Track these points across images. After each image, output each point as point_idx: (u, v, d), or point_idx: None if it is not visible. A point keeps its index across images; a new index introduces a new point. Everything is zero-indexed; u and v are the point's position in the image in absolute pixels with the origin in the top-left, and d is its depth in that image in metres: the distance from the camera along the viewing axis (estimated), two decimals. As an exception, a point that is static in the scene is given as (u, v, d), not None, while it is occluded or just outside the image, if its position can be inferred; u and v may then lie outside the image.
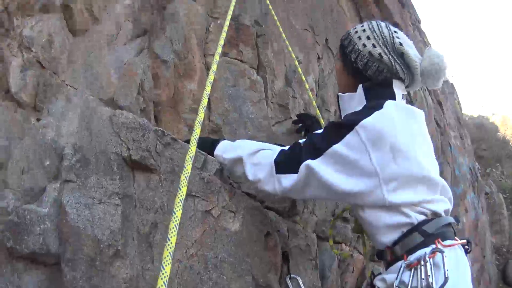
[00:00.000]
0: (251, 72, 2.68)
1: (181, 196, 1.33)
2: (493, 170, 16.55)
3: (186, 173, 1.43)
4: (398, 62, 1.76)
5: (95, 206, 1.75)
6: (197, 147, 2.01)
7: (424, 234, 1.55)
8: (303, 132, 2.73)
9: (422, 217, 1.59)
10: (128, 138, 1.89)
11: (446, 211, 1.67)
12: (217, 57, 2.08)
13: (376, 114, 1.57)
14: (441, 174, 5.15)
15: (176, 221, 1.24)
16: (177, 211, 1.27)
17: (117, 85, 2.25)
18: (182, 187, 1.36)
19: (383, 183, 1.53)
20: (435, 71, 1.75)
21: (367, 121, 1.55)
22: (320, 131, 1.77)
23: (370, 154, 1.53)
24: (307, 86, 2.62)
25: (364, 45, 1.80)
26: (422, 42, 6.10)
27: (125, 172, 1.86)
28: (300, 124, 2.73)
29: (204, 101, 1.75)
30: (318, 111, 2.70)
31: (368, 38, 1.80)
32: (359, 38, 1.83)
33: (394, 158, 1.53)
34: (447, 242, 1.55)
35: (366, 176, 1.56)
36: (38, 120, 1.91)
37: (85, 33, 2.21)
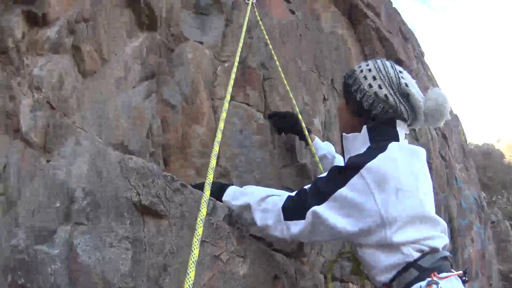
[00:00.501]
0: (258, 115, 2.71)
1: (197, 236, 1.46)
2: (499, 197, 16.48)
3: (201, 216, 1.55)
4: (403, 103, 1.78)
5: (106, 249, 1.75)
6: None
7: (420, 269, 1.56)
8: (283, 133, 2.74)
9: (418, 254, 1.59)
10: (138, 183, 1.90)
11: (444, 246, 1.67)
12: (226, 105, 2.14)
13: (380, 156, 1.59)
14: (447, 207, 5.14)
15: (194, 258, 1.37)
16: (194, 249, 1.40)
17: (126, 129, 2.28)
18: (199, 228, 1.48)
19: (387, 224, 1.55)
20: (439, 112, 1.79)
21: (371, 163, 1.56)
22: (324, 175, 1.78)
23: (374, 195, 1.54)
24: (306, 133, 2.58)
25: (370, 86, 1.81)
26: (425, 76, 6.15)
27: (135, 217, 1.87)
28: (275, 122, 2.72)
29: (216, 148, 1.81)
30: (316, 157, 2.66)
31: (374, 78, 1.82)
32: (365, 78, 1.84)
33: (398, 199, 1.55)
34: (443, 274, 1.55)
35: (370, 217, 1.57)
36: (48, 161, 1.92)
37: (94, 74, 2.24)
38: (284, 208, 1.76)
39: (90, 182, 1.90)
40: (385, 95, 1.78)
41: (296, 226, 1.72)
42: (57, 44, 2.09)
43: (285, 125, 2.68)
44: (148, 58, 2.59)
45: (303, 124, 2.51)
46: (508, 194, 17.26)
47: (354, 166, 1.61)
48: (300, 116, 2.58)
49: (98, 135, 2.12)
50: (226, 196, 2.04)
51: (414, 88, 1.81)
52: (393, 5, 6.06)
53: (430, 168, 4.73)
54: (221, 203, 2.03)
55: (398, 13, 6.10)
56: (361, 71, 1.87)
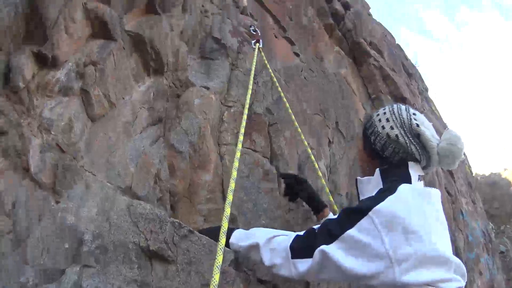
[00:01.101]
0: (264, 161, 2.72)
1: (214, 283, 1.50)
2: (507, 226, 16.30)
3: (218, 263, 1.58)
4: (414, 143, 1.80)
5: None
6: (213, 237, 2.03)
7: None
8: (292, 197, 2.69)
9: None
10: (146, 228, 1.92)
11: None
12: (238, 154, 2.20)
13: (390, 198, 1.59)
14: (453, 242, 5.08)
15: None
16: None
17: (134, 174, 2.30)
18: (215, 274, 1.54)
19: (396, 264, 1.52)
20: (452, 152, 1.78)
21: (380, 206, 1.57)
22: (334, 217, 1.79)
23: (382, 237, 1.53)
24: (319, 173, 2.64)
25: (383, 127, 1.86)
26: (430, 111, 6.19)
27: (143, 262, 1.89)
28: (288, 189, 2.67)
29: (229, 197, 1.88)
30: (331, 197, 2.71)
31: (387, 120, 1.86)
32: (379, 120, 1.89)
33: (407, 240, 1.53)
34: None
35: (379, 258, 1.55)
36: (57, 202, 1.92)
37: (102, 118, 2.28)
38: (292, 247, 1.76)
39: (99, 225, 1.93)
40: (396, 135, 1.81)
41: (304, 265, 1.71)
42: (66, 87, 2.12)
43: (300, 191, 2.62)
44: (155, 103, 2.63)
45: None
46: (516, 222, 17.08)
47: (363, 209, 1.61)
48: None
49: (106, 179, 2.13)
50: (233, 239, 2.04)
51: (426, 129, 1.82)
52: (396, 41, 6.16)
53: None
54: (227, 248, 2.03)
55: (401, 49, 6.17)
56: (377, 115, 1.93)
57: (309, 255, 1.69)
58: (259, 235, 1.95)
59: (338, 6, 5.26)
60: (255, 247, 1.91)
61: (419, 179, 1.78)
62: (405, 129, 1.82)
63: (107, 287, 1.77)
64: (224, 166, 2.65)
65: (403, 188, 1.64)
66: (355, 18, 5.30)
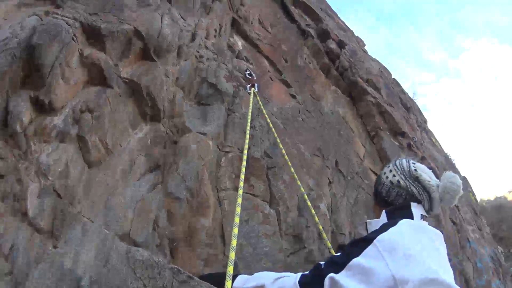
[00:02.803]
0: (264, 205, 2.71)
1: None
2: (516, 248, 16.12)
3: None
4: (414, 185, 1.98)
5: None
6: (213, 283, 2.02)
7: None
8: None
9: None
10: (144, 275, 1.90)
11: None
12: (239, 200, 2.23)
13: (391, 229, 1.71)
14: (462, 270, 5.00)
15: None
16: None
17: (133, 221, 2.28)
18: None
19: (399, 284, 1.56)
20: (452, 190, 1.93)
21: (383, 235, 1.68)
22: (338, 254, 1.83)
23: (386, 260, 1.60)
24: (316, 219, 2.62)
25: (387, 177, 2.06)
26: (430, 143, 6.20)
27: None
28: None
29: (233, 242, 1.93)
30: (328, 242, 2.68)
31: (391, 171, 2.07)
32: (385, 173, 2.10)
33: (408, 263, 1.60)
34: None
35: (384, 280, 1.59)
36: (55, 247, 1.92)
37: (100, 165, 2.29)
38: (300, 282, 1.77)
39: (97, 271, 1.91)
40: (398, 181, 2.01)
41: None
42: (63, 133, 2.15)
43: None
44: (153, 149, 2.64)
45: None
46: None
47: (368, 238, 1.71)
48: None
49: (104, 225, 2.13)
50: (236, 283, 2.03)
51: (423, 172, 2.01)
52: (392, 74, 6.21)
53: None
54: None
55: (398, 84, 6.22)
56: (384, 172, 2.12)
57: (319, 285, 1.70)
58: (264, 277, 1.95)
59: (333, 45, 5.33)
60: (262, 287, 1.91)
61: (421, 218, 1.89)
62: (405, 174, 2.02)
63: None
64: (223, 210, 2.63)
65: (404, 221, 1.78)
66: (351, 56, 5.36)
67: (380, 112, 4.79)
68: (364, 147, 4.36)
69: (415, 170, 2.02)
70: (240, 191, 2.29)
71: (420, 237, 1.74)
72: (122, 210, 2.27)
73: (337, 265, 1.71)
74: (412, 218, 1.87)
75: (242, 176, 2.40)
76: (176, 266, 1.99)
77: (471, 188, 8.08)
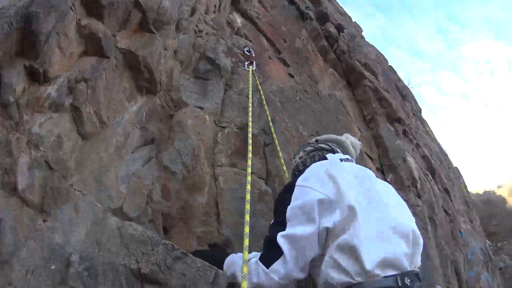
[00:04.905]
0: (260, 183, 2.67)
1: None
2: (505, 243, 16.31)
3: None
4: (320, 144, 2.26)
5: None
6: (208, 260, 1.98)
7: None
8: None
9: None
10: (137, 250, 1.85)
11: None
12: (249, 178, 2.32)
13: (307, 170, 1.91)
14: (454, 261, 5.03)
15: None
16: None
17: (126, 195, 2.23)
18: None
19: (336, 200, 1.69)
20: (351, 143, 2.33)
21: (301, 177, 1.85)
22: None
23: (312, 187, 1.74)
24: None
25: (295, 161, 2.31)
26: (424, 132, 6.20)
27: (134, 285, 1.80)
28: None
29: (246, 242, 1.88)
30: None
31: (295, 155, 2.34)
32: (294, 160, 2.34)
33: (324, 183, 1.76)
34: None
35: (325, 204, 1.68)
36: (44, 221, 1.85)
37: (94, 138, 2.23)
38: (261, 258, 1.75)
39: (87, 247, 1.85)
40: (304, 150, 2.29)
41: (281, 264, 1.68)
42: (57, 103, 2.07)
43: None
44: (148, 123, 2.58)
45: None
46: (515, 239, 17.07)
47: (289, 185, 1.88)
48: None
49: (97, 199, 2.06)
50: (224, 266, 2.01)
51: (320, 136, 2.37)
52: (389, 63, 6.20)
53: (435, 224, 4.68)
54: (222, 271, 1.97)
55: (394, 71, 6.21)
56: (294, 161, 2.34)
57: (278, 251, 1.69)
58: (235, 264, 1.92)
59: (331, 29, 5.29)
60: (235, 276, 1.88)
61: (342, 160, 2.05)
62: (306, 145, 2.31)
63: (94, 315, 1.69)
64: (218, 187, 2.59)
65: (314, 164, 1.99)
66: (349, 40, 5.32)
67: (378, 97, 4.77)
68: (360, 131, 4.34)
69: (313, 137, 2.40)
70: (249, 169, 2.39)
71: (324, 166, 1.89)
72: (115, 184, 2.22)
73: (280, 224, 1.73)
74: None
75: (250, 154, 2.46)
76: (170, 242, 1.94)
77: (463, 179, 8.11)
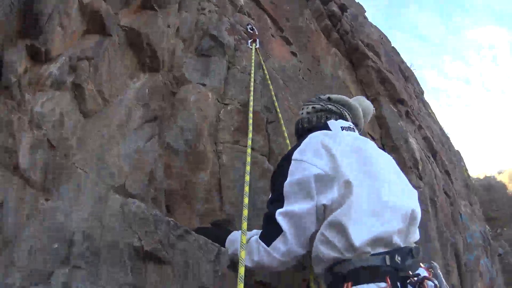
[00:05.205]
0: (263, 160, 2.66)
1: None
2: (505, 229, 16.39)
3: (240, 275, 1.56)
4: (329, 103, 2.17)
5: None
6: (211, 238, 1.97)
7: None
8: None
9: None
10: (140, 229, 1.85)
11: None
12: (248, 159, 2.25)
13: (304, 141, 1.85)
14: (454, 244, 5.04)
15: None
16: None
17: (128, 173, 2.23)
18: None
19: (335, 175, 1.66)
20: (364, 106, 2.28)
21: (297, 150, 1.80)
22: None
23: (308, 161, 1.71)
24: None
25: (302, 113, 2.24)
26: (427, 114, 6.16)
27: (137, 263, 1.81)
28: None
29: (244, 225, 1.81)
30: None
31: (303, 108, 2.27)
32: (301, 112, 2.26)
33: (320, 156, 1.72)
34: None
35: (322, 180, 1.65)
36: (46, 200, 1.86)
37: (96, 116, 2.23)
38: (261, 236, 1.74)
39: (90, 225, 1.86)
40: (313, 107, 2.20)
41: (281, 242, 1.68)
42: (59, 81, 2.07)
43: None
44: (151, 101, 2.57)
45: None
46: (515, 225, 17.15)
47: (285, 159, 1.83)
48: None
49: (99, 177, 2.07)
50: (226, 243, 2.00)
51: (333, 95, 2.25)
52: (392, 45, 6.15)
53: (435, 206, 4.68)
54: (224, 248, 1.97)
55: (397, 52, 6.16)
56: (300, 113, 2.28)
57: (277, 229, 1.68)
58: (236, 242, 1.91)
59: (334, 8, 5.23)
60: (235, 256, 1.86)
61: (342, 129, 2.00)
62: (317, 101, 2.22)
63: (97, 291, 1.69)
64: (221, 165, 2.58)
65: (314, 133, 1.91)
66: (352, 20, 5.27)
67: (381, 77, 4.73)
68: (363, 112, 4.30)
69: (324, 95, 2.24)
70: (249, 150, 2.33)
71: (323, 139, 1.82)
72: (117, 162, 2.21)
73: (278, 201, 1.72)
74: (330, 130, 1.98)
75: (250, 134, 2.44)
76: (173, 220, 1.94)
77: (464, 162, 8.09)
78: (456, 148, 8.06)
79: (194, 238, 1.92)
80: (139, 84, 2.57)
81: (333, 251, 1.59)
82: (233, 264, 1.94)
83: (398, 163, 4.22)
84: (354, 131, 2.04)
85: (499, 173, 22.99)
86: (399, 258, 1.57)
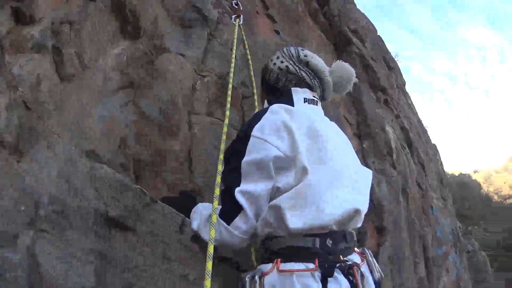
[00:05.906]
0: (235, 133, 2.66)
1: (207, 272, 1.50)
2: (475, 227, 16.69)
3: (209, 253, 1.58)
4: (304, 70, 2.02)
5: (69, 261, 1.69)
6: (176, 208, 1.96)
7: None
8: None
9: None
10: (107, 194, 1.85)
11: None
12: (225, 128, 2.26)
13: (263, 117, 1.77)
14: (422, 236, 5.13)
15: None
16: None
17: (100, 138, 2.22)
18: (208, 262, 1.55)
19: (293, 155, 1.64)
20: (346, 74, 2.08)
21: (257, 126, 1.73)
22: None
23: (267, 140, 1.66)
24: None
25: (275, 64, 2.08)
26: (406, 105, 6.22)
27: (102, 229, 1.82)
28: None
29: (216, 191, 1.81)
30: None
31: (278, 58, 2.09)
32: (271, 60, 2.12)
33: (281, 137, 1.68)
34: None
35: (280, 161, 1.64)
36: (18, 161, 1.83)
37: (74, 81, 2.18)
38: (221, 214, 1.73)
39: (58, 189, 1.83)
40: (286, 66, 2.03)
41: (242, 221, 1.68)
42: (40, 44, 2.03)
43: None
44: (128, 67, 2.55)
45: None
46: (485, 224, 17.52)
47: (244, 135, 1.75)
48: None
49: (71, 142, 2.04)
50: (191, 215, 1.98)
51: (313, 58, 2.06)
52: (378, 33, 6.17)
53: (407, 197, 4.75)
54: (189, 219, 1.97)
55: (383, 41, 6.18)
56: (271, 59, 2.13)
57: (237, 208, 1.68)
58: (199, 216, 1.88)
59: (323, -10, 5.21)
60: (198, 231, 1.84)
61: (304, 101, 1.94)
62: (294, 60, 2.04)
63: (61, 255, 1.69)
64: (193, 136, 2.58)
65: (273, 106, 1.82)
66: (340, 5, 5.26)
67: (363, 65, 4.76)
68: (342, 97, 4.32)
69: (305, 56, 2.04)
70: (226, 120, 2.34)
71: (283, 115, 1.76)
72: (91, 127, 2.19)
73: (235, 177, 1.70)
74: (292, 102, 1.92)
75: (228, 105, 2.42)
76: (140, 187, 1.94)
77: (440, 157, 8.20)
78: (434, 142, 8.16)
79: (161, 207, 1.92)
80: (118, 51, 2.54)
81: (267, 227, 1.63)
82: (196, 236, 1.94)
83: (373, 150, 4.28)
84: (317, 104, 2.00)
85: (475, 172, 23.43)
86: (330, 242, 1.61)
